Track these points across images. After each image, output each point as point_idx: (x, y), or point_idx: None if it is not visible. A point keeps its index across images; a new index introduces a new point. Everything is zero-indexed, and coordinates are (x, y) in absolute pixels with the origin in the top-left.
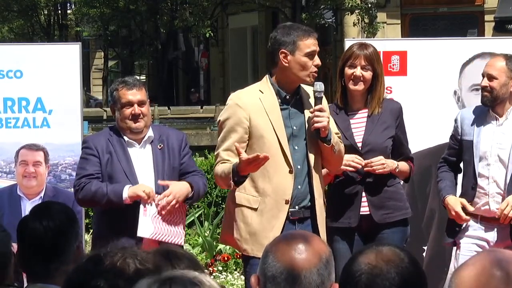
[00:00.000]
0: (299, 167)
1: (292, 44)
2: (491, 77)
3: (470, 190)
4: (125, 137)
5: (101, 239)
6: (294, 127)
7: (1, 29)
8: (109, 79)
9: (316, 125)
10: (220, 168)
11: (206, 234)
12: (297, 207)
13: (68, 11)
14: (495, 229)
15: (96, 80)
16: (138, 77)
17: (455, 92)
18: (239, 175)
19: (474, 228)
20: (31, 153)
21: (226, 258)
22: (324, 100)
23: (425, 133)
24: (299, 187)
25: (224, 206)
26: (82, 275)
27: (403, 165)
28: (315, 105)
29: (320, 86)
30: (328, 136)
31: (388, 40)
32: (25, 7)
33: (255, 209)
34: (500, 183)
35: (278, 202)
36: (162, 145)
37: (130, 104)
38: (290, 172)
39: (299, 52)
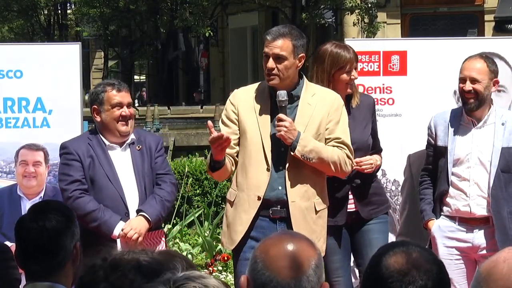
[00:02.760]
0: (280, 168)
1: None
2: (474, 80)
3: (443, 195)
4: (105, 141)
5: (84, 241)
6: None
7: (1, 29)
8: (109, 79)
9: (276, 134)
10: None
11: (206, 234)
12: (279, 206)
13: (68, 11)
14: (476, 230)
15: (96, 80)
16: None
17: (455, 92)
18: (213, 160)
19: (451, 230)
20: (31, 153)
21: (226, 258)
22: (341, 110)
23: (425, 133)
24: (280, 187)
25: (224, 206)
26: (95, 277)
27: (380, 160)
28: (279, 113)
29: (282, 95)
30: (292, 144)
31: (388, 40)
32: (25, 7)
33: (232, 203)
34: (482, 186)
35: (250, 198)
36: (140, 146)
37: (120, 105)
38: (267, 170)
39: None
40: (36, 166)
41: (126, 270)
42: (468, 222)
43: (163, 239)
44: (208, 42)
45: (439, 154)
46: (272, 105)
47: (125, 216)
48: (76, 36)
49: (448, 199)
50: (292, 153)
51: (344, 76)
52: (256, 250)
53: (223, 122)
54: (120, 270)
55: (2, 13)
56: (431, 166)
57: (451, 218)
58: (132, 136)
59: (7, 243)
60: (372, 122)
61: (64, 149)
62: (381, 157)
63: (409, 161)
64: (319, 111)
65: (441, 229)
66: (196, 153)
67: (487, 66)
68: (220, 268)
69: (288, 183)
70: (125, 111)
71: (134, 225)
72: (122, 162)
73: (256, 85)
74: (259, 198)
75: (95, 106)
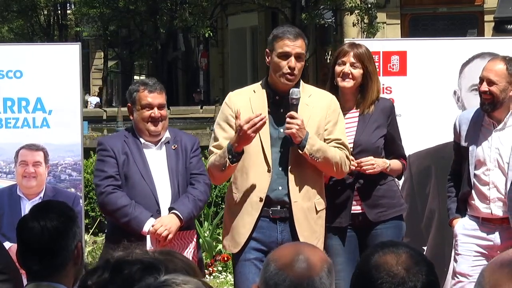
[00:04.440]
0: (281, 168)
1: (271, 44)
2: (490, 82)
3: (466, 196)
4: (141, 139)
5: (114, 238)
6: (281, 130)
7: (1, 29)
8: (108, 79)
9: (286, 131)
10: (212, 158)
11: (206, 234)
12: (279, 206)
13: (68, 11)
14: (498, 230)
15: (96, 80)
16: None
17: (454, 92)
18: (233, 152)
19: (474, 228)
20: (31, 153)
21: (226, 258)
22: (339, 111)
23: (425, 133)
24: (280, 188)
25: (223, 206)
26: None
27: (395, 164)
28: (290, 111)
29: (296, 93)
30: (301, 143)
31: (388, 40)
32: (25, 7)
33: (234, 206)
34: (501, 189)
35: (252, 199)
36: (176, 146)
37: (150, 106)
38: (268, 171)
39: (274, 52)
40: (36, 166)
41: (132, 272)
42: (491, 221)
43: (195, 239)
44: (208, 43)
45: (463, 154)
46: (270, 105)
47: (156, 213)
48: (76, 36)
49: (471, 201)
50: (300, 152)
51: (337, 67)
52: (269, 257)
53: (219, 126)
54: (126, 272)
55: (2, 13)
56: (457, 164)
57: (475, 217)
58: (167, 135)
59: (7, 243)
60: (388, 126)
61: (100, 145)
62: (404, 163)
63: (409, 161)
64: (317, 112)
65: (465, 227)
66: None
67: (506, 69)
68: (220, 268)
69: (291, 184)
70: (154, 112)
71: (165, 222)
72: (156, 160)
73: (250, 87)
74: (261, 199)
75: (130, 105)
